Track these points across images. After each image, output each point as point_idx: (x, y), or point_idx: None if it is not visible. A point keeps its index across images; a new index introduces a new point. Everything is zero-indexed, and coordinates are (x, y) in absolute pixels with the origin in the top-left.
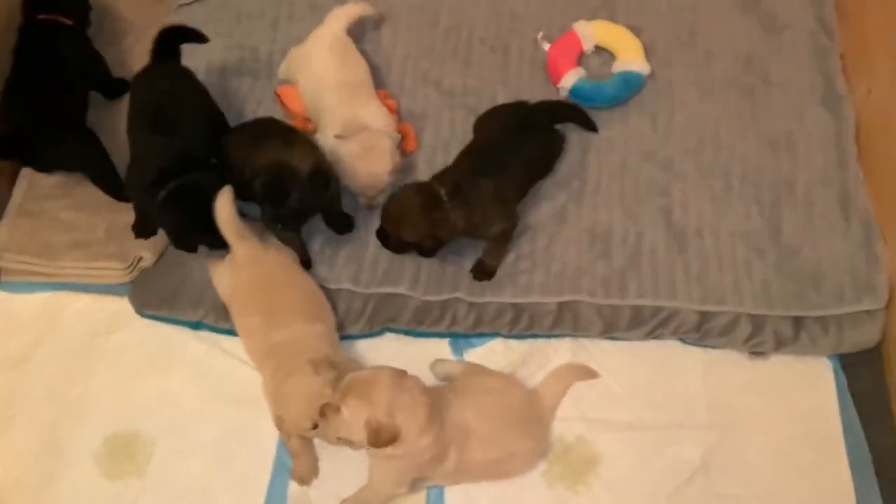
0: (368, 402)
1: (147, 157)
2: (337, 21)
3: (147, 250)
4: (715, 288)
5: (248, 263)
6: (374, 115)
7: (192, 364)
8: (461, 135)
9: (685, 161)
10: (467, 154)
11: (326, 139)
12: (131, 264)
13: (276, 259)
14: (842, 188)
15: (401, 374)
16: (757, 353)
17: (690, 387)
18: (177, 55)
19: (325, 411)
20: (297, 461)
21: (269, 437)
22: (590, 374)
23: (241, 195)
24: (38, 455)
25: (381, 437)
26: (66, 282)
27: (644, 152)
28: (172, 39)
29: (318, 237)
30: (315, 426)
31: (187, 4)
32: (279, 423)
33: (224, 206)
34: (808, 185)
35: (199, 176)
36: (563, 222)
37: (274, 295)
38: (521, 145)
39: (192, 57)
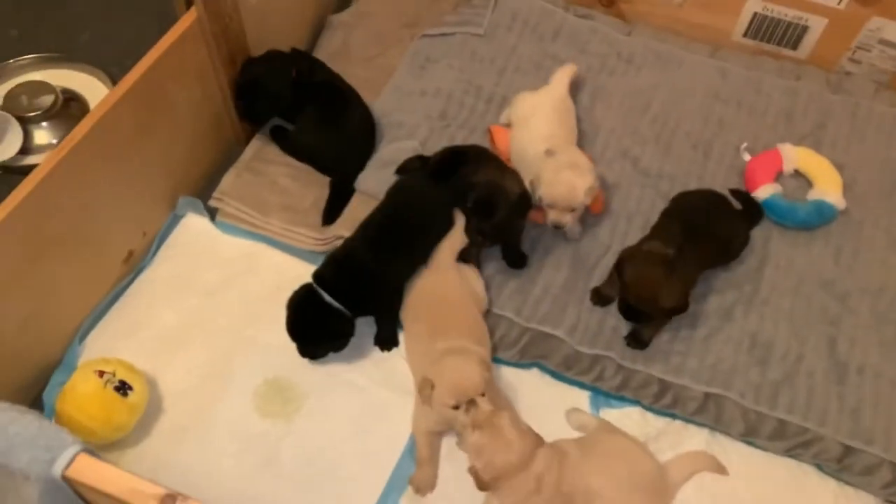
0: (491, 449)
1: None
2: (562, 82)
3: (346, 231)
4: (866, 427)
5: (430, 274)
6: (580, 154)
7: (356, 340)
8: (647, 211)
9: (861, 300)
10: (673, 218)
11: (534, 152)
12: (326, 239)
13: (455, 278)
14: None
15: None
16: (892, 502)
17: None
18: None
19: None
20: (420, 470)
21: (405, 429)
22: (719, 468)
23: None
24: (207, 376)
25: (479, 483)
26: (269, 236)
27: (822, 280)
28: (452, 162)
29: (492, 265)
30: (456, 407)
31: (431, 35)
32: (423, 388)
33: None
34: None
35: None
36: (728, 320)
37: (445, 310)
38: (719, 223)
39: (425, 79)
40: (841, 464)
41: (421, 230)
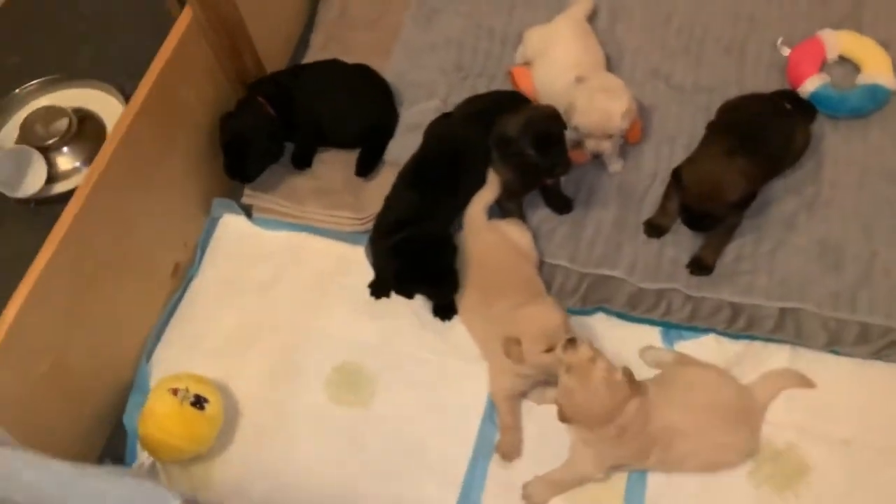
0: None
1: (392, 209)
2: (580, 8)
3: None
4: None
5: (467, 239)
6: (612, 77)
7: (415, 315)
8: (690, 129)
9: None
10: (722, 132)
11: (563, 83)
12: (367, 217)
13: (493, 238)
14: None
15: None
16: None
17: None
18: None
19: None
20: (505, 435)
21: (481, 395)
22: (806, 382)
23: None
24: (276, 374)
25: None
26: (307, 224)
27: (885, 170)
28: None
29: (538, 214)
30: (549, 350)
31: None
32: (510, 348)
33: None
34: None
35: (431, 227)
36: (792, 230)
37: (491, 272)
38: (773, 128)
39: (433, 31)
40: None
41: (460, 166)
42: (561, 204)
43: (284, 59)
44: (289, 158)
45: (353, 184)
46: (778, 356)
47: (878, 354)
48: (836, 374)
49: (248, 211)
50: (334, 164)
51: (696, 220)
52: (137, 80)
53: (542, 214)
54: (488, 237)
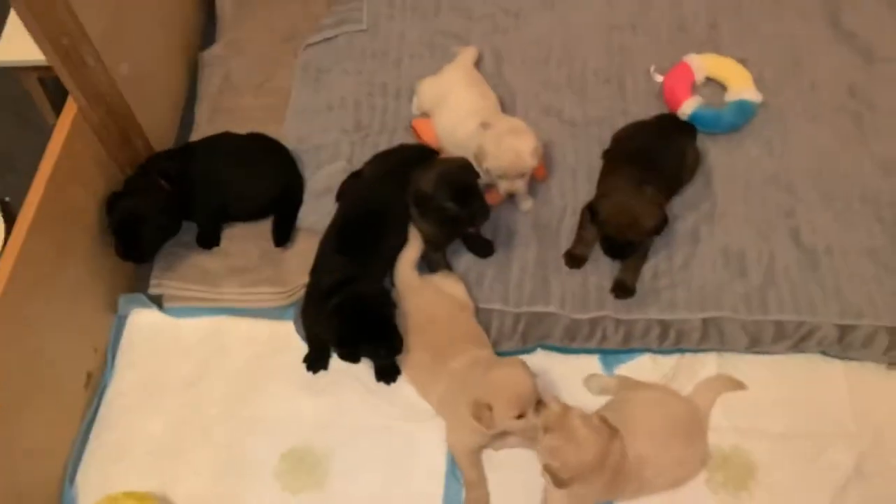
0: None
1: (324, 273)
2: (468, 58)
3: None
4: (852, 303)
5: (404, 299)
6: (514, 119)
7: (358, 381)
8: (587, 160)
9: (805, 184)
10: (620, 160)
11: (466, 131)
12: (291, 290)
13: (431, 293)
14: None
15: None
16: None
17: (836, 396)
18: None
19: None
20: (472, 491)
21: (439, 453)
22: (738, 385)
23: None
24: (220, 473)
25: (559, 482)
26: (226, 306)
27: (765, 177)
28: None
29: (462, 261)
30: (520, 416)
31: (314, 44)
32: (480, 413)
33: (410, 258)
34: None
35: (366, 286)
36: (697, 242)
37: (436, 329)
38: (666, 149)
39: (325, 92)
40: (842, 343)
41: (382, 226)
42: (483, 248)
43: (172, 138)
44: (194, 241)
45: (271, 256)
46: (708, 365)
47: (795, 348)
48: (762, 372)
49: (158, 302)
50: (245, 239)
51: (618, 249)
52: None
53: (466, 261)
54: (425, 293)
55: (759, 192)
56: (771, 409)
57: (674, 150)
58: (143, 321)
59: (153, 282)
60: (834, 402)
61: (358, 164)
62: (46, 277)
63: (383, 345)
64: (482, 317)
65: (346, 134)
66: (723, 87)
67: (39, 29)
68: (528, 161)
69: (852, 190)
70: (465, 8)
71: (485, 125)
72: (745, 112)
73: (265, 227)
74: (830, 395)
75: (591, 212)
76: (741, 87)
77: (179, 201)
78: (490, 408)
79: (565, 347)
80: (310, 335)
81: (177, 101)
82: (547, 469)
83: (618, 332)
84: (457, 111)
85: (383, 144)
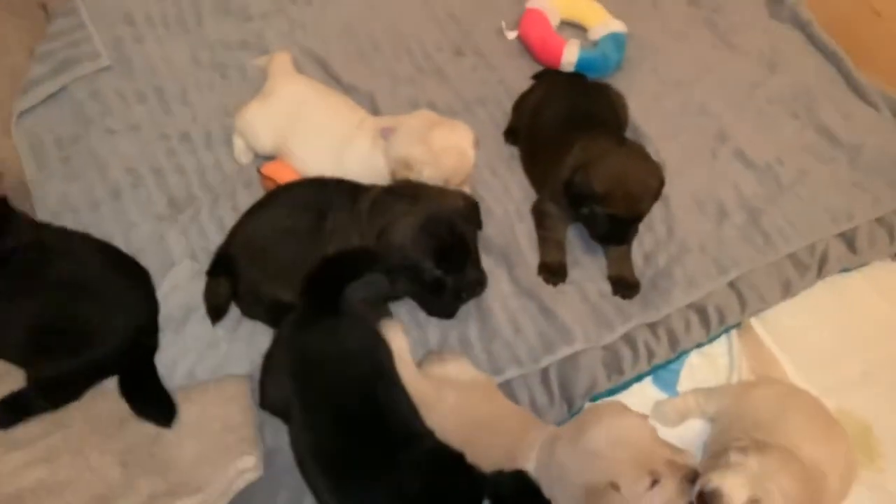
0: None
1: None
2: (284, 65)
3: None
4: (840, 208)
5: (434, 413)
6: (420, 115)
7: None
8: (496, 149)
9: (713, 100)
10: (556, 130)
11: (360, 151)
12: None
13: (451, 396)
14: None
15: None
16: None
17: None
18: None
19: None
20: None
21: None
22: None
23: None
24: None
25: None
26: None
27: (677, 107)
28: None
29: (434, 329)
30: (656, 480)
31: (30, 111)
32: (604, 496)
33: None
34: (820, 84)
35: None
36: (667, 201)
37: (492, 422)
38: (600, 105)
39: (97, 170)
40: (855, 251)
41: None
42: (442, 305)
43: None
44: None
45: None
46: (755, 330)
47: (820, 275)
48: (808, 319)
49: None
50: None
51: (624, 229)
52: None
53: (439, 328)
54: (448, 398)
55: (681, 126)
56: (839, 354)
57: (601, 100)
58: None
59: None
60: (880, 314)
61: (205, 256)
62: None
63: None
64: (506, 392)
65: (161, 222)
66: (583, 28)
67: None
68: (472, 155)
69: (755, 93)
70: (236, 7)
71: (386, 132)
72: (620, 45)
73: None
74: (871, 309)
75: (570, 190)
76: (603, 20)
77: None
78: (616, 486)
79: (618, 387)
80: None
81: None
82: None
83: (660, 340)
84: (328, 132)
85: (228, 217)
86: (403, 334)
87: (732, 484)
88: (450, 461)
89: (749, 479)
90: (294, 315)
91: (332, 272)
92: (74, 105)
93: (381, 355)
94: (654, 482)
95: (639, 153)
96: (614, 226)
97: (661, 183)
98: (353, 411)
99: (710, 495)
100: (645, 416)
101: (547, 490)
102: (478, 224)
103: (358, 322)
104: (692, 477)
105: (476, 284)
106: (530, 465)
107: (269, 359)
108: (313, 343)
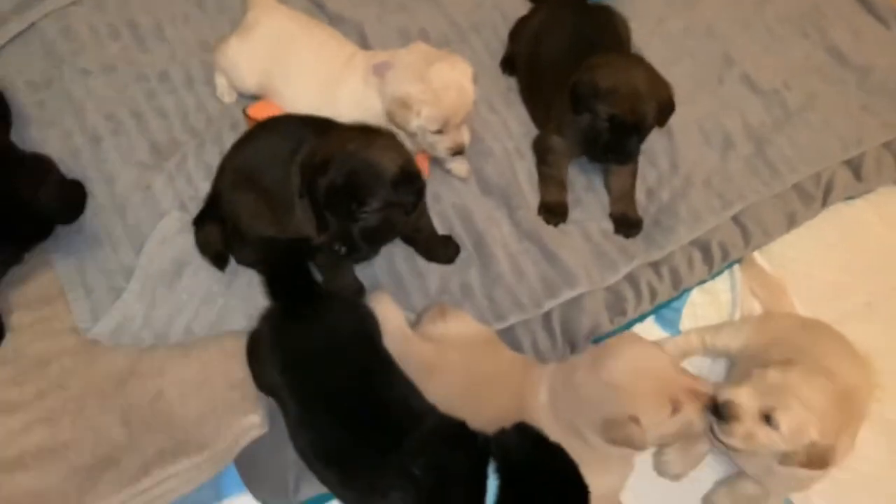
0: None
1: None
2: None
3: None
4: (848, 133)
5: (444, 369)
6: (416, 46)
7: None
8: (494, 81)
9: (719, 23)
10: (577, 50)
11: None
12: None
13: (447, 351)
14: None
15: None
16: None
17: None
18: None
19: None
20: None
21: None
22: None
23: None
24: None
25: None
26: None
27: (682, 29)
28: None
29: (431, 278)
30: (677, 408)
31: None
32: (621, 433)
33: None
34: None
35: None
36: (670, 135)
37: (495, 375)
38: (608, 33)
39: (72, 114)
40: (860, 178)
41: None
42: (443, 249)
43: None
44: None
45: None
46: (760, 264)
47: (825, 204)
48: (813, 252)
49: None
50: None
51: (625, 136)
52: None
53: (435, 278)
54: (451, 358)
55: (688, 51)
56: (842, 285)
57: (605, 24)
58: None
59: None
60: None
61: (194, 205)
62: None
63: None
64: (509, 340)
65: (147, 170)
66: None
67: None
68: (472, 91)
69: (763, 10)
70: None
71: (380, 68)
72: None
73: None
74: (876, 238)
75: (575, 91)
76: None
77: None
78: (636, 419)
79: (622, 327)
80: None
81: None
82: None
83: (663, 279)
84: (315, 70)
85: (216, 163)
86: (394, 304)
87: (745, 393)
88: (452, 434)
89: (764, 390)
90: (270, 310)
91: (285, 260)
92: (45, 44)
93: (369, 332)
94: (675, 410)
95: (649, 66)
96: (616, 133)
97: (669, 95)
98: (350, 403)
99: (724, 405)
100: (661, 346)
101: (555, 423)
102: (411, 196)
103: (339, 302)
104: (711, 404)
105: (340, 239)
106: (541, 398)
107: (254, 344)
108: (298, 335)
